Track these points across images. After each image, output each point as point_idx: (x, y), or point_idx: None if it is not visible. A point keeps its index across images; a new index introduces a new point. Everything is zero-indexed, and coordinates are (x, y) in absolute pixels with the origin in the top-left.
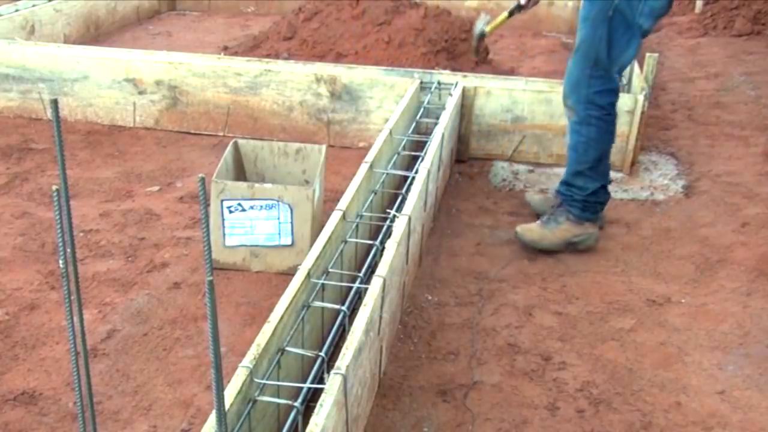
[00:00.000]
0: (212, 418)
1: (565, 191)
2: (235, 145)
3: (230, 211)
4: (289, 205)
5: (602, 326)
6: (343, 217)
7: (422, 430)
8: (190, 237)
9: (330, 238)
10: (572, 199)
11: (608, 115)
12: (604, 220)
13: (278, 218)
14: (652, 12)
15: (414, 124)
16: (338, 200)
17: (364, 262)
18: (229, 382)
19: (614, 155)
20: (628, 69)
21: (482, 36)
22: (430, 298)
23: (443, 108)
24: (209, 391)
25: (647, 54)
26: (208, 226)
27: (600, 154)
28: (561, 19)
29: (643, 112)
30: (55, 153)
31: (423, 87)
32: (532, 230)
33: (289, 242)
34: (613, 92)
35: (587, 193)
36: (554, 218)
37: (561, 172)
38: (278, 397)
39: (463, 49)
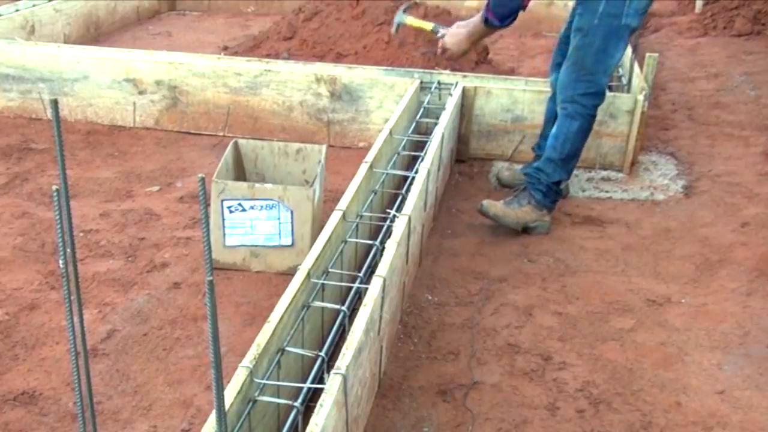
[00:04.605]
0: (212, 418)
1: (534, 173)
2: (236, 145)
3: (230, 211)
4: (289, 206)
5: (602, 326)
6: (343, 217)
7: (422, 430)
8: (190, 237)
9: (330, 238)
10: (538, 182)
11: (591, 117)
12: (568, 189)
13: (278, 218)
14: (637, 11)
15: (414, 124)
16: (338, 200)
17: (364, 262)
18: (229, 382)
19: (614, 155)
20: (628, 69)
21: (400, 27)
22: (430, 298)
23: (443, 108)
24: (209, 391)
25: (647, 54)
26: (208, 226)
27: (574, 150)
28: (561, 19)
29: (643, 112)
30: (55, 153)
31: (423, 87)
32: (496, 206)
33: (289, 242)
34: (597, 95)
35: (552, 181)
36: (517, 200)
37: None
38: (278, 397)
39: None
